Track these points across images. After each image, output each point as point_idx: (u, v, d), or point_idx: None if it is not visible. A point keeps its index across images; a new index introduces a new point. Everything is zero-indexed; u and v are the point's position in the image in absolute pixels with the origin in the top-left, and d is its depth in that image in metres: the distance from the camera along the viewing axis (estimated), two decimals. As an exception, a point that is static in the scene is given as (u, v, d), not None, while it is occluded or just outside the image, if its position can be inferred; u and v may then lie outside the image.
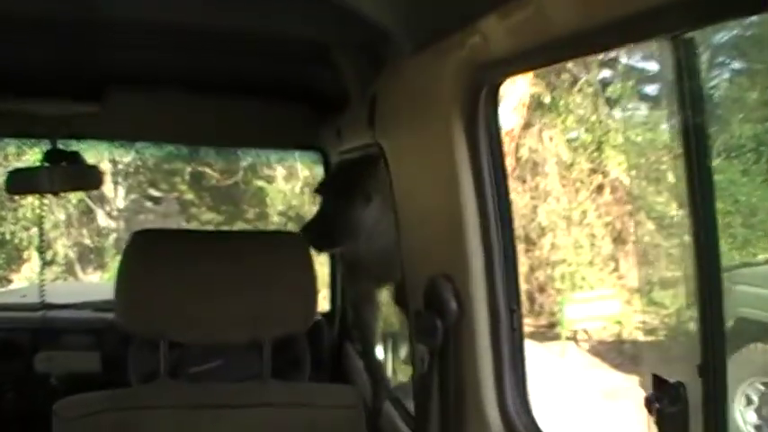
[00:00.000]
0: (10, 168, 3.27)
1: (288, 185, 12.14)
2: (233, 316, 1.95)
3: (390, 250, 2.19)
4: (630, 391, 8.02)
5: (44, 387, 3.09)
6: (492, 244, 1.60)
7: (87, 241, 12.93)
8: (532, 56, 1.39)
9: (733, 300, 6.84)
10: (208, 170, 12.64)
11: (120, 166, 12.85)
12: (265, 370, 1.99)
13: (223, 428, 1.94)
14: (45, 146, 2.93)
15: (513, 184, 10.22)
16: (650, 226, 9.67)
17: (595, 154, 10.83)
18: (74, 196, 11.49)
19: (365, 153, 2.41)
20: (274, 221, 12.17)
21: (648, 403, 1.16)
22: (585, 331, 10.04)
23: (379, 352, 3.13)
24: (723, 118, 12.32)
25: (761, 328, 6.38)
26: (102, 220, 12.91)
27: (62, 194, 11.46)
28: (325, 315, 3.42)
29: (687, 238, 1.07)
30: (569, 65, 11.58)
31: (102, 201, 12.79)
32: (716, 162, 11.44)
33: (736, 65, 11.03)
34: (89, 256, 12.83)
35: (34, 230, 11.06)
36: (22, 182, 2.95)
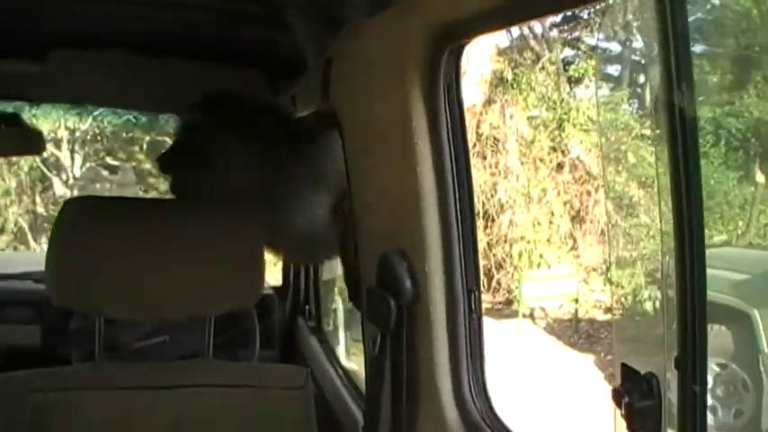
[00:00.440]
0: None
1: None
2: (173, 291, 1.83)
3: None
4: (586, 370, 8.05)
5: None
6: (450, 219, 1.50)
7: (41, 210, 12.72)
8: (497, 15, 1.29)
9: (690, 281, 6.87)
10: (167, 140, 12.45)
11: (77, 134, 12.65)
12: (207, 348, 1.88)
13: (159, 410, 1.83)
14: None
15: (473, 161, 10.19)
16: (609, 205, 9.69)
17: (556, 132, 10.84)
18: (25, 163, 11.28)
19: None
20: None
21: (617, 396, 1.07)
22: (542, 309, 10.07)
23: (333, 329, 3.05)
24: (683, 100, 12.40)
25: (717, 310, 6.41)
26: (58, 188, 12.70)
27: (13, 161, 11.27)
28: (276, 290, 3.31)
29: (665, 219, 0.97)
30: (532, 43, 11.59)
31: (58, 169, 12.59)
32: (675, 143, 11.54)
33: (696, 48, 11.07)
34: (43, 225, 12.62)
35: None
36: (-44, 145, 2.82)
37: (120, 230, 1.84)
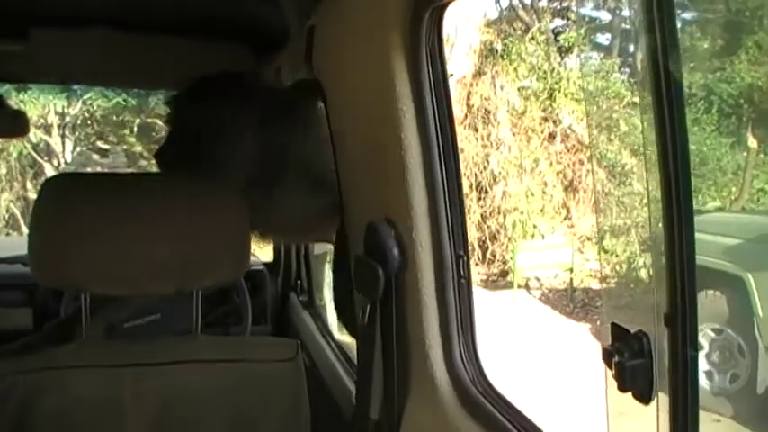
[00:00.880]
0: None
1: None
2: (158, 265, 1.80)
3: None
4: (582, 339, 8.06)
5: None
6: (437, 185, 1.48)
7: (33, 196, 12.68)
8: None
9: (684, 246, 6.88)
10: (158, 122, 12.42)
11: (67, 119, 12.59)
12: (195, 323, 1.86)
13: (147, 386, 1.81)
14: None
15: (464, 132, 10.16)
16: (602, 174, 9.68)
17: (547, 102, 10.81)
18: (14, 149, 11.23)
19: None
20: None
21: (607, 356, 1.05)
22: (538, 279, 10.08)
23: (325, 302, 3.04)
24: (674, 67, 12.38)
25: (711, 275, 6.41)
26: (49, 173, 12.64)
27: (2, 147, 11.21)
28: (268, 265, 3.30)
29: (654, 181, 0.95)
30: (522, 13, 11.53)
31: (49, 154, 12.54)
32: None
33: (687, 15, 11.04)
34: (35, 211, 12.55)
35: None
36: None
37: (102, 206, 1.81)
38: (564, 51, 11.46)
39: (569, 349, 7.45)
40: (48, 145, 12.53)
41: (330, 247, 2.71)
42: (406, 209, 1.51)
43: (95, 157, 13.34)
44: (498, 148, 10.55)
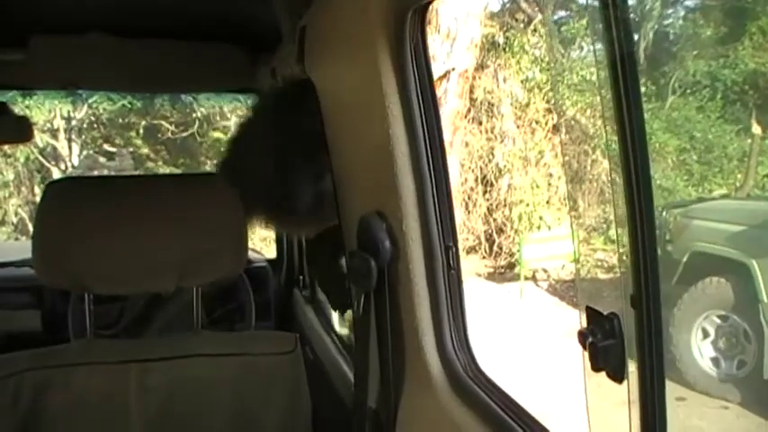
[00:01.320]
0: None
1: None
2: (158, 264, 1.86)
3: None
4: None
5: None
6: (424, 178, 1.53)
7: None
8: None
9: (689, 234, 6.89)
10: (164, 123, 12.46)
11: (73, 123, 12.62)
12: (196, 319, 1.91)
13: (151, 382, 1.87)
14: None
15: (469, 126, 10.18)
16: (606, 164, 9.68)
17: (551, 94, 10.80)
18: (21, 154, 11.28)
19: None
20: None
21: (582, 338, 1.10)
22: (545, 270, 10.09)
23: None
24: (678, 55, 12.37)
25: (716, 262, 6.43)
26: (57, 177, 12.68)
27: (9, 153, 11.25)
28: (271, 262, 3.35)
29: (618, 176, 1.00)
30: (524, 5, 11.52)
31: (56, 158, 12.59)
32: (671, 99, 11.53)
33: (690, 2, 11.04)
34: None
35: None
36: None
37: (103, 207, 1.87)
38: (567, 42, 11.45)
39: (575, 340, 7.46)
40: (54, 149, 12.58)
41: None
42: (396, 202, 1.56)
43: (102, 159, 13.37)
44: (503, 141, 10.56)
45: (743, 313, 6.32)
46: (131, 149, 13.26)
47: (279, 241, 3.40)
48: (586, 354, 1.14)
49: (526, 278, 9.70)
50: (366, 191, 1.74)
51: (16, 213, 12.08)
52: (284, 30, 2.28)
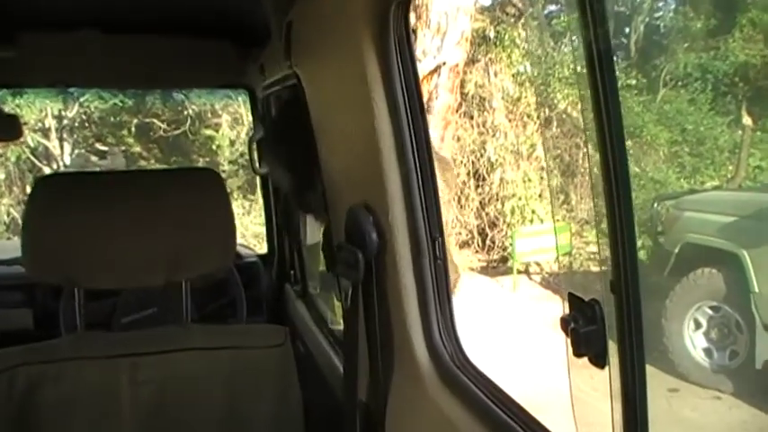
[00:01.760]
0: None
1: (233, 132, 11.99)
2: (147, 258, 1.87)
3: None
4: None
5: None
6: (410, 170, 1.54)
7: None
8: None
9: (681, 226, 6.91)
10: (155, 121, 12.44)
11: (64, 122, 12.59)
12: (186, 313, 1.92)
13: (142, 375, 1.88)
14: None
15: (460, 121, 10.18)
16: (598, 158, 9.69)
17: (542, 88, 10.81)
18: (12, 153, 11.26)
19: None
20: (225, 169, 12.03)
21: (564, 324, 1.11)
22: (537, 264, 10.11)
23: (319, 292, 3.08)
24: (669, 48, 12.39)
25: (708, 253, 6.45)
26: (48, 175, 12.63)
27: (0, 152, 11.21)
28: (262, 257, 3.36)
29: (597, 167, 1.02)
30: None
31: (48, 157, 12.56)
32: (663, 92, 11.55)
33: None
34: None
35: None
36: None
37: (92, 203, 1.88)
38: (557, 36, 11.46)
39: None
40: (46, 149, 12.55)
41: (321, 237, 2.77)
42: (383, 194, 1.57)
43: (94, 158, 13.35)
44: (494, 135, 10.57)
45: (735, 304, 6.35)
46: (123, 148, 13.23)
47: (270, 237, 3.41)
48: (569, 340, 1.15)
49: (519, 271, 9.72)
50: (353, 184, 1.76)
51: (8, 213, 12.06)
52: (272, 26, 2.29)
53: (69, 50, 2.80)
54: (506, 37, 10.78)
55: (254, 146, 2.91)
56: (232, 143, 12.10)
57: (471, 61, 10.35)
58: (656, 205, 7.64)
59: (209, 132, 12.36)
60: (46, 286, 2.95)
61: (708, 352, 6.56)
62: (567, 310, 1.12)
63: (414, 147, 1.54)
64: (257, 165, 2.96)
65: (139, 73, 3.01)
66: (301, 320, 2.78)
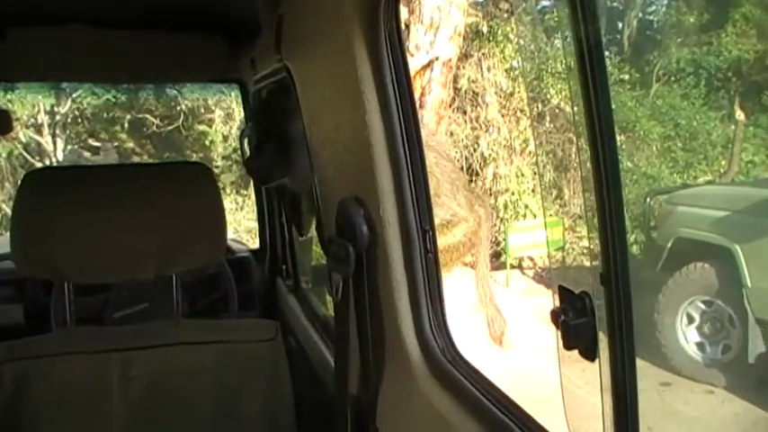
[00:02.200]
0: None
1: (226, 127, 11.97)
2: (137, 252, 1.86)
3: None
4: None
5: None
6: (400, 163, 1.53)
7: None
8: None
9: (674, 221, 6.93)
10: (148, 117, 12.41)
11: (57, 118, 12.56)
12: (177, 307, 1.91)
13: (134, 370, 1.87)
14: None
15: (453, 116, 10.17)
16: (589, 151, 9.69)
17: (535, 83, 10.80)
18: (4, 149, 11.23)
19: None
20: (218, 165, 12.02)
21: (555, 317, 1.11)
22: (530, 259, 10.11)
23: (311, 286, 3.08)
24: (662, 43, 12.42)
25: (700, 248, 6.47)
26: (40, 171, 12.56)
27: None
28: (254, 252, 3.35)
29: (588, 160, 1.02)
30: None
31: (40, 153, 12.53)
32: (656, 87, 11.57)
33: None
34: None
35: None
36: None
37: (81, 197, 1.87)
38: (550, 31, 11.45)
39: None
40: (39, 144, 12.52)
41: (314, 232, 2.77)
42: (373, 187, 1.57)
43: (87, 154, 13.31)
44: (488, 130, 10.56)
45: (727, 298, 6.37)
46: (116, 144, 13.20)
47: (262, 232, 3.41)
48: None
49: (512, 266, 9.72)
50: (343, 177, 1.75)
51: (0, 209, 12.03)
52: (263, 19, 2.29)
53: (59, 45, 2.78)
54: (499, 32, 10.77)
55: (246, 140, 2.90)
56: (225, 138, 12.08)
57: (464, 56, 10.34)
58: (648, 200, 7.67)
59: (202, 128, 12.34)
60: (37, 281, 2.94)
61: (700, 346, 6.58)
62: (558, 303, 1.11)
63: (404, 140, 1.53)
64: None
65: (130, 68, 3.00)
66: (293, 315, 2.77)
